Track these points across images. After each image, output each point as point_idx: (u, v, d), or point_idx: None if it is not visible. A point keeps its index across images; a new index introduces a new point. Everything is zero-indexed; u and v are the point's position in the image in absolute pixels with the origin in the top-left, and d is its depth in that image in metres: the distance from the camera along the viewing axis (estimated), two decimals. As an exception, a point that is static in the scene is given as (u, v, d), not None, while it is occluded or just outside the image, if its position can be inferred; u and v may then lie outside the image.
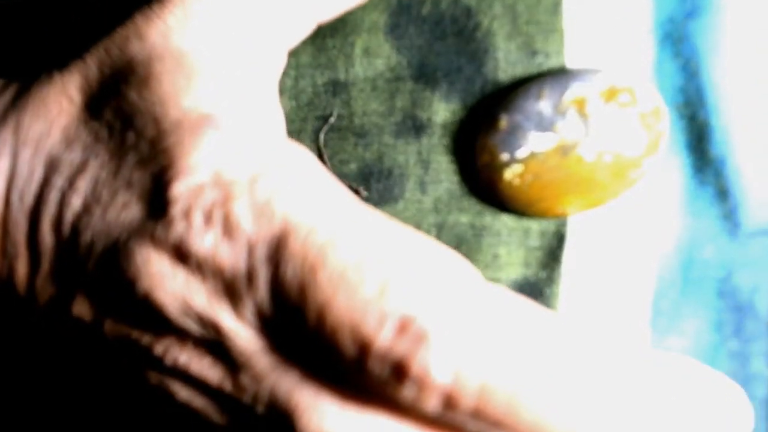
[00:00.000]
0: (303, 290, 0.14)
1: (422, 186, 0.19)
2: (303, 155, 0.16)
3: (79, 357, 0.19)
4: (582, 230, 0.19)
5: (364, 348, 0.14)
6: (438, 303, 0.14)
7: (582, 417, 0.13)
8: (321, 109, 0.20)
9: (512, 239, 0.19)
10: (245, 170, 0.15)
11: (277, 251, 0.14)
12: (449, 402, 0.13)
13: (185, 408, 0.17)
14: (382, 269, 0.14)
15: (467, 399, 0.13)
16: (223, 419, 0.16)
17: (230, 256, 0.15)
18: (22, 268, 0.17)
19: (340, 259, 0.14)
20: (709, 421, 0.13)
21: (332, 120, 0.20)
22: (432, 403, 0.13)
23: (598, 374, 0.13)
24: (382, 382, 0.14)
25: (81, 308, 0.16)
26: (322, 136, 0.20)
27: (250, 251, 0.14)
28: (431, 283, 0.14)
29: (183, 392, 0.16)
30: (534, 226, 0.19)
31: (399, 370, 0.13)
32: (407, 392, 0.14)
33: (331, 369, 0.15)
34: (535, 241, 0.19)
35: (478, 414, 0.13)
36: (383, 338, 0.13)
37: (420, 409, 0.14)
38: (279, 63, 0.18)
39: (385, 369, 0.14)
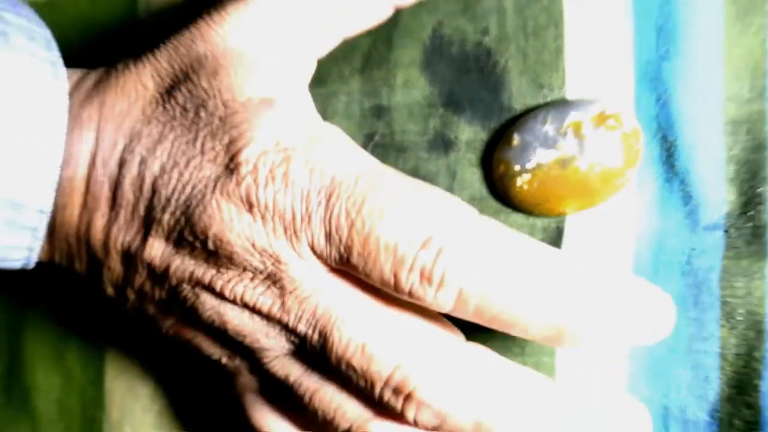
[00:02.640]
0: (350, 224, 0.18)
1: (450, 192, 0.24)
2: (338, 131, 0.20)
3: (141, 301, 0.22)
4: (577, 226, 0.23)
5: (400, 260, 0.18)
6: (447, 225, 0.18)
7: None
8: (367, 128, 0.24)
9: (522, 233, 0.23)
10: (298, 140, 0.19)
11: (328, 198, 0.18)
12: (459, 299, 0.18)
13: (233, 340, 0.20)
14: (407, 205, 0.18)
15: (472, 298, 0.18)
16: (268, 342, 0.20)
17: (289, 203, 0.19)
18: (100, 219, 0.21)
19: (377, 198, 0.18)
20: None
21: (377, 138, 0.24)
22: (448, 300, 0.18)
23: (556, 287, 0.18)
24: (412, 290, 0.18)
25: (153, 251, 0.20)
26: (368, 151, 0.24)
27: (307, 198, 0.18)
28: (443, 214, 0.18)
29: (236, 319, 0.20)
30: (539, 223, 0.23)
31: (425, 277, 0.18)
32: (431, 294, 0.18)
33: (369, 286, 0.19)
34: (539, 235, 0.23)
35: (477, 309, 0.18)
36: (413, 254, 0.18)
37: (439, 306, 0.18)
38: (311, 67, 0.22)
39: (415, 278, 0.18)
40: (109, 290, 0.22)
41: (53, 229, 0.21)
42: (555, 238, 0.23)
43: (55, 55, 0.21)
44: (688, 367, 0.22)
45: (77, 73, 0.22)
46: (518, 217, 0.23)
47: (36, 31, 0.21)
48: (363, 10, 0.21)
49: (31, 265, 0.22)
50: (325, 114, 0.25)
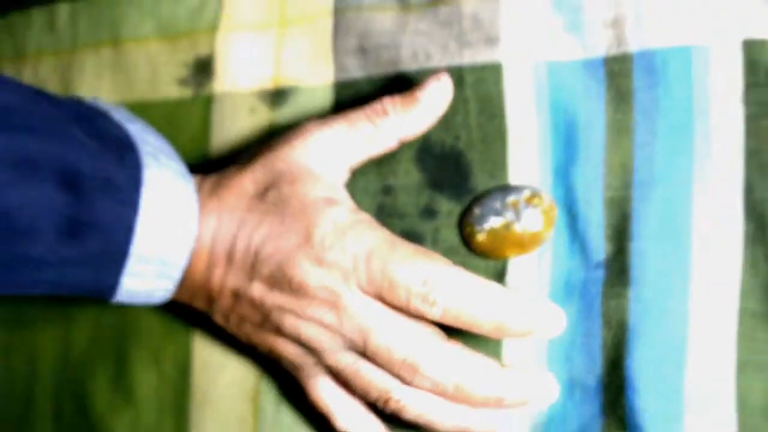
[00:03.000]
0: (382, 274, 0.31)
1: (434, 244, 0.37)
2: (368, 216, 0.33)
3: (242, 323, 0.34)
4: (515, 266, 0.36)
5: (411, 293, 0.30)
6: (435, 271, 0.31)
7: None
8: (380, 201, 0.37)
9: (481, 271, 0.36)
10: (347, 223, 0.32)
11: (367, 258, 0.31)
12: (444, 313, 0.30)
13: (305, 344, 0.33)
14: (412, 261, 0.31)
15: (451, 311, 0.30)
16: (329, 344, 0.32)
17: (344, 261, 0.31)
18: (218, 272, 0.33)
19: (395, 258, 0.31)
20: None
21: (386, 209, 0.37)
22: (437, 313, 0.31)
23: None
24: (418, 309, 0.31)
25: (255, 290, 0.32)
26: (380, 216, 0.37)
27: (354, 258, 0.31)
28: (432, 265, 0.31)
29: (310, 332, 0.32)
30: (491, 264, 0.36)
31: (425, 302, 0.30)
32: (428, 310, 0.31)
33: (393, 306, 0.32)
34: (491, 272, 0.36)
35: (454, 318, 0.31)
36: (418, 289, 0.30)
37: (432, 317, 0.31)
38: (347, 175, 0.35)
39: (419, 302, 0.30)
40: (219, 318, 0.35)
41: (184, 279, 0.34)
42: (501, 274, 0.36)
43: (182, 166, 0.34)
44: (583, 352, 0.35)
45: (196, 177, 0.35)
46: (478, 261, 0.36)
47: (167, 148, 0.34)
48: (380, 146, 0.35)
49: (165, 301, 0.34)
50: (354, 191, 0.38)
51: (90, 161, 0.30)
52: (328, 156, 0.34)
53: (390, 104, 0.34)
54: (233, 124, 0.41)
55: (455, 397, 0.32)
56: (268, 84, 0.40)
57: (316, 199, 0.33)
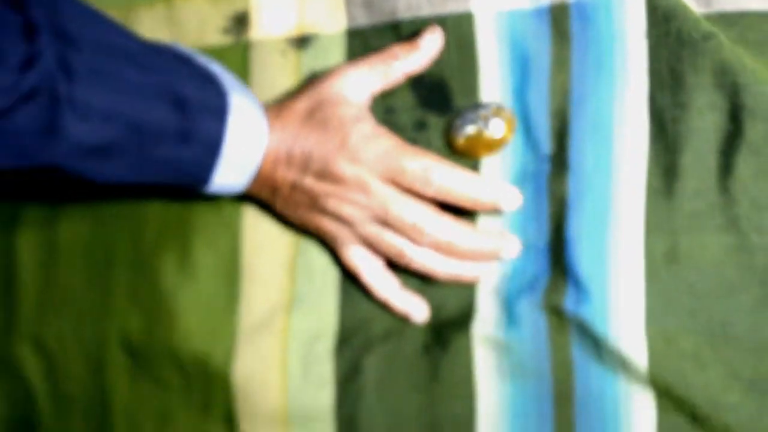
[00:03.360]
0: (397, 167, 0.44)
1: (428, 148, 0.49)
2: (386, 130, 0.46)
3: (297, 206, 0.47)
4: (487, 162, 0.49)
5: (416, 179, 0.44)
6: (432, 163, 0.44)
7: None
8: (384, 119, 0.50)
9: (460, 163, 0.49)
10: (370, 133, 0.45)
11: (386, 156, 0.45)
12: (438, 190, 0.44)
13: (342, 218, 0.46)
14: (417, 157, 0.44)
15: (443, 189, 0.45)
16: (361, 216, 0.45)
17: (371, 158, 0.45)
18: (281, 170, 0.46)
19: (405, 155, 0.45)
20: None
21: (390, 123, 0.50)
22: (434, 191, 0.45)
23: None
24: (421, 190, 0.45)
25: (307, 182, 0.45)
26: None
27: (378, 156, 0.45)
28: (430, 160, 0.44)
29: (347, 209, 0.45)
30: (469, 162, 0.49)
31: (426, 183, 0.44)
32: (428, 189, 0.44)
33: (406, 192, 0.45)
34: (468, 166, 0.49)
35: (446, 195, 0.45)
36: (421, 175, 0.44)
37: (431, 194, 0.45)
38: (370, 100, 0.48)
39: (421, 184, 0.44)
40: (279, 204, 0.47)
41: (256, 176, 0.47)
42: (476, 168, 0.49)
43: (252, 95, 0.46)
44: (535, 223, 0.48)
45: (262, 103, 0.48)
46: (460, 160, 0.49)
47: (239, 82, 0.46)
48: (392, 80, 0.47)
49: (240, 193, 0.48)
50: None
51: (193, 91, 0.43)
52: (356, 87, 0.47)
53: (399, 50, 0.48)
54: (268, 65, 0.53)
55: (448, 251, 0.45)
56: (294, 31, 0.53)
57: (349, 117, 0.46)
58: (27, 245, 0.57)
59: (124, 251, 0.55)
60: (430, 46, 0.48)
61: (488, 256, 0.46)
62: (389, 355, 0.49)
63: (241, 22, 0.54)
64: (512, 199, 0.45)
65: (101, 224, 0.56)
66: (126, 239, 0.55)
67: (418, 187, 0.45)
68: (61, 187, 0.56)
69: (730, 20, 0.44)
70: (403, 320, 0.49)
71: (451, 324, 0.48)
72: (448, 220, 0.46)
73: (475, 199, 0.45)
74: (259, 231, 0.52)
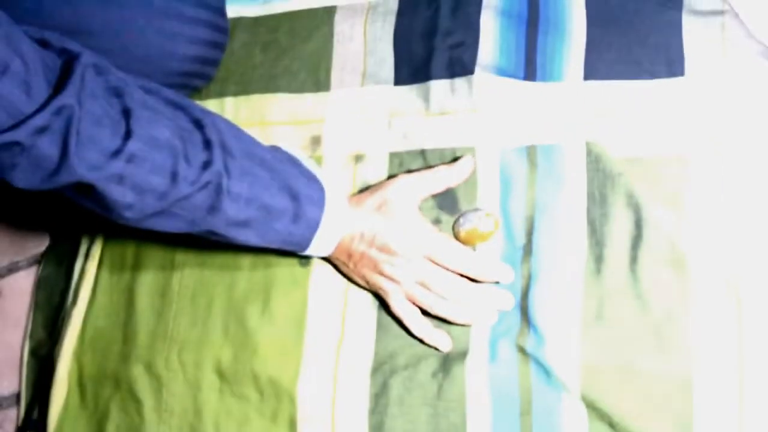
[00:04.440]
0: (428, 249, 0.68)
1: None
2: (421, 218, 0.71)
3: (361, 270, 0.71)
4: (479, 249, 0.72)
5: (438, 258, 0.69)
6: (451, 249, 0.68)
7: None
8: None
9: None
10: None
11: (415, 243, 0.69)
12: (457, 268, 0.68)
13: (393, 279, 0.69)
14: (442, 246, 0.69)
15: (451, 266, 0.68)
16: (405, 279, 0.69)
17: (415, 245, 0.69)
18: (356, 242, 0.69)
19: (435, 246, 0.68)
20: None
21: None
22: (452, 267, 0.69)
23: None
24: (442, 263, 0.68)
25: (373, 252, 0.69)
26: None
27: (418, 244, 0.69)
28: (452, 248, 0.68)
29: (397, 273, 0.68)
30: (468, 248, 0.72)
31: (450, 261, 0.69)
32: (451, 266, 0.68)
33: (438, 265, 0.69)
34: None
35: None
36: (442, 256, 0.68)
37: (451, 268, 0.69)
38: (419, 202, 0.71)
39: (447, 261, 0.68)
40: (350, 266, 0.70)
41: (338, 246, 0.69)
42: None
43: (341, 192, 0.70)
44: (512, 286, 0.71)
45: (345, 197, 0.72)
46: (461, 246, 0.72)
47: (332, 182, 0.70)
48: (436, 190, 0.72)
49: (326, 255, 0.71)
50: None
51: (303, 187, 0.66)
52: (410, 192, 0.71)
53: (443, 169, 0.71)
54: (333, 174, 0.77)
55: (464, 306, 0.68)
56: (353, 152, 0.77)
57: (404, 211, 0.69)
58: (145, 289, 0.80)
59: (221, 299, 0.78)
60: (465, 169, 0.72)
61: (491, 309, 0.69)
62: (408, 378, 0.71)
63: (315, 142, 0.78)
64: (508, 274, 0.69)
65: (204, 278, 0.79)
66: (223, 290, 0.78)
67: (445, 264, 0.68)
68: (178, 240, 0.79)
69: (635, 162, 0.68)
70: (417, 356, 0.71)
71: (453, 358, 0.70)
72: (465, 284, 0.69)
73: (484, 275, 0.69)
74: (320, 290, 0.75)
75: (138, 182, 0.59)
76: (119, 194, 0.59)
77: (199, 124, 0.63)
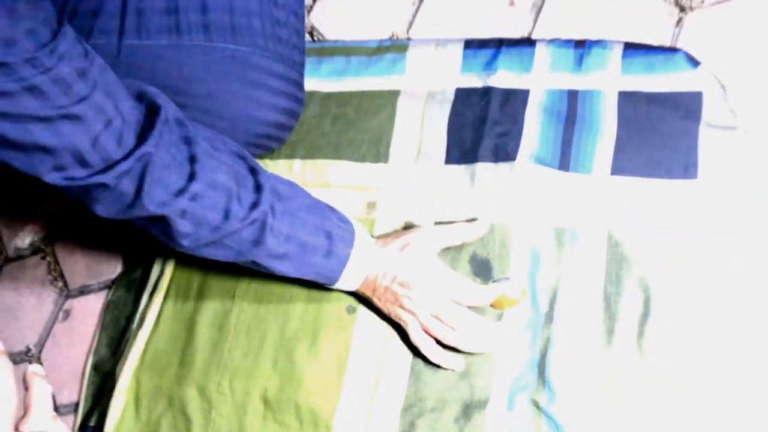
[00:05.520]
0: (445, 289, 0.79)
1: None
2: (443, 265, 0.81)
3: (386, 303, 0.81)
4: (508, 311, 0.82)
5: (455, 297, 0.78)
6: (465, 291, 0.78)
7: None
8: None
9: (492, 314, 0.82)
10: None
11: (441, 283, 0.79)
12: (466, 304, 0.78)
13: (411, 312, 0.80)
14: (456, 288, 0.79)
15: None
16: (421, 314, 0.79)
17: (433, 283, 0.79)
18: (380, 278, 0.80)
19: (450, 287, 0.79)
20: None
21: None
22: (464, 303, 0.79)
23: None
24: (457, 301, 0.79)
25: (395, 287, 0.79)
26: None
27: (436, 282, 0.79)
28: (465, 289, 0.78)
29: (415, 306, 0.79)
30: (497, 311, 0.82)
31: (461, 298, 0.79)
32: (462, 301, 0.79)
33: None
34: (491, 314, 0.83)
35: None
36: (459, 297, 0.78)
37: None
38: (439, 250, 0.82)
39: (459, 298, 0.79)
40: (375, 299, 0.81)
41: (364, 281, 0.80)
42: (500, 315, 0.82)
43: (368, 234, 0.81)
44: (531, 350, 0.81)
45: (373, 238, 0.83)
46: (491, 309, 0.83)
47: (362, 227, 0.82)
48: (454, 243, 0.82)
49: (353, 290, 0.82)
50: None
51: (336, 228, 0.78)
52: (430, 239, 0.81)
53: (462, 225, 0.83)
54: (385, 229, 0.88)
55: (470, 335, 0.78)
56: (405, 218, 0.88)
57: (424, 255, 0.80)
58: (205, 321, 0.91)
59: (273, 335, 0.88)
60: (480, 229, 0.83)
61: (491, 341, 0.79)
62: (434, 420, 0.80)
63: (371, 207, 0.90)
64: (503, 336, 0.80)
65: (260, 315, 0.90)
66: (275, 328, 0.88)
67: (456, 298, 0.78)
68: (239, 276, 0.90)
69: (649, 251, 0.79)
70: (443, 401, 0.81)
71: (474, 406, 0.79)
72: (471, 317, 0.78)
73: (485, 304, 0.79)
74: (363, 336, 0.85)
75: (197, 217, 0.72)
76: (180, 226, 0.72)
77: (253, 171, 0.76)
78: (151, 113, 0.69)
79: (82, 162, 0.63)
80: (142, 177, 0.67)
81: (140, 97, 0.70)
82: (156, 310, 0.95)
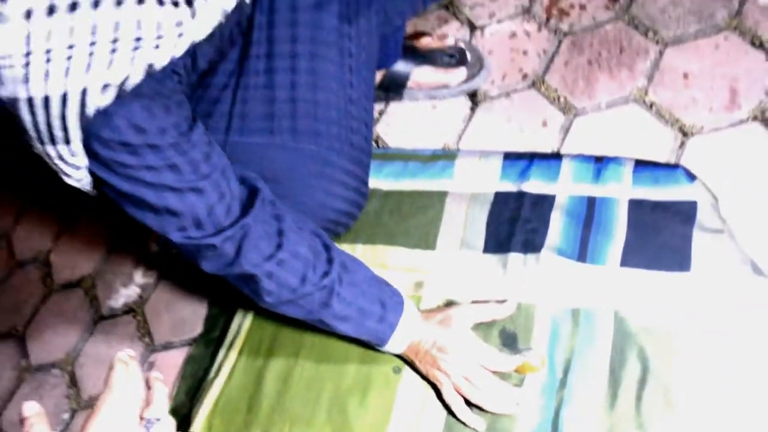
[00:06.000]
0: (476, 356, 0.94)
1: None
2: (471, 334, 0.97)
3: (426, 365, 0.97)
4: (529, 377, 0.97)
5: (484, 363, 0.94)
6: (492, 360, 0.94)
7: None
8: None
9: (514, 378, 0.98)
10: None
11: (472, 351, 0.95)
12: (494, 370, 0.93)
13: (446, 373, 0.94)
14: (486, 356, 0.94)
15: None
16: (454, 374, 0.94)
17: (466, 350, 0.94)
18: (422, 344, 0.97)
19: (481, 355, 0.94)
20: None
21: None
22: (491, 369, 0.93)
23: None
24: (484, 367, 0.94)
25: (434, 351, 0.95)
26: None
27: (469, 350, 0.94)
28: (492, 358, 0.94)
29: (449, 368, 0.94)
30: (520, 376, 0.98)
31: (490, 365, 0.93)
32: (490, 367, 0.93)
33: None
34: (513, 380, 0.98)
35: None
36: (487, 363, 0.94)
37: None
38: (472, 325, 0.98)
39: (488, 364, 0.93)
40: (416, 361, 0.97)
41: (408, 345, 0.96)
42: (522, 379, 0.97)
43: (414, 306, 0.98)
44: (547, 408, 0.95)
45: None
46: (514, 375, 0.98)
47: (410, 301, 0.99)
48: (485, 319, 0.99)
49: (398, 353, 0.98)
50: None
51: (388, 299, 0.94)
52: (466, 315, 0.97)
53: (493, 305, 0.99)
54: (430, 305, 1.05)
55: (493, 396, 0.92)
56: (444, 297, 1.05)
57: (461, 328, 0.95)
58: (272, 375, 1.07)
59: (329, 390, 1.04)
60: (508, 309, 0.98)
61: (510, 405, 0.93)
62: (460, 466, 0.95)
63: (419, 286, 1.07)
64: (520, 398, 0.93)
65: (319, 372, 1.06)
66: (331, 383, 1.04)
67: (485, 365, 0.93)
68: (303, 339, 1.07)
69: (648, 329, 0.94)
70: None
71: (495, 454, 0.94)
72: (495, 381, 0.92)
73: (505, 369, 0.93)
74: (405, 394, 1.00)
75: (280, 279, 0.89)
76: (267, 285, 0.89)
77: (327, 247, 0.93)
78: (252, 193, 0.88)
79: (199, 225, 0.82)
80: (242, 242, 0.85)
81: (243, 180, 0.89)
82: (231, 363, 1.11)
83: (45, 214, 1.56)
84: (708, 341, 0.90)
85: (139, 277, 1.36)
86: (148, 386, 0.70)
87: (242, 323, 1.15)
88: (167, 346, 1.25)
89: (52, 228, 1.53)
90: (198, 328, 1.24)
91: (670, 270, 0.96)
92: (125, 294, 1.35)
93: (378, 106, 1.32)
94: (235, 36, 0.94)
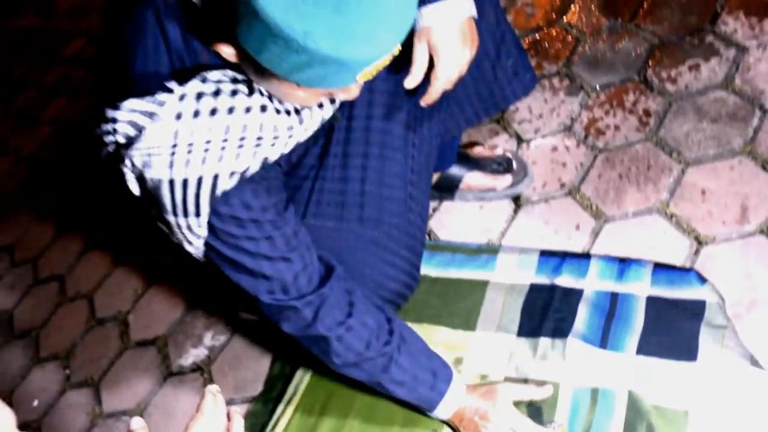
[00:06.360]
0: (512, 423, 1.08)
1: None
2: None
3: (467, 426, 1.11)
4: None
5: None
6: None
7: None
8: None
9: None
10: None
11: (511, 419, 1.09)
12: None
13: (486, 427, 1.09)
14: (521, 423, 1.08)
15: None
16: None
17: (505, 417, 1.09)
18: (466, 412, 1.11)
19: (518, 423, 1.08)
20: None
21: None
22: None
23: None
24: None
25: (476, 418, 1.09)
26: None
27: (507, 419, 1.08)
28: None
29: (492, 426, 1.08)
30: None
31: None
32: None
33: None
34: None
35: None
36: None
37: None
38: (511, 400, 1.12)
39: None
40: (462, 425, 1.10)
41: (453, 413, 1.11)
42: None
43: (460, 376, 1.13)
44: None
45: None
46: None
47: (454, 371, 1.13)
48: (523, 398, 1.13)
49: (444, 419, 1.12)
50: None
51: (438, 370, 1.08)
52: (507, 391, 1.11)
53: (532, 387, 1.12)
54: (467, 380, 1.19)
55: None
56: (480, 374, 1.20)
57: (501, 401, 1.09)
58: (325, 428, 1.22)
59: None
60: (545, 392, 1.11)
61: None
62: None
63: (458, 361, 1.22)
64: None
65: (366, 431, 1.20)
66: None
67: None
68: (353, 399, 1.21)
69: (657, 408, 1.07)
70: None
71: None
72: None
73: None
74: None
75: (348, 343, 1.04)
76: (336, 347, 1.04)
77: (389, 320, 1.08)
78: (328, 269, 1.05)
79: (285, 290, 0.99)
80: (319, 308, 1.02)
81: (320, 258, 1.07)
82: (287, 418, 1.27)
83: (126, 279, 1.75)
84: (710, 422, 1.03)
85: (209, 339, 1.53)
86: (229, 418, 0.85)
87: (300, 383, 1.31)
88: (229, 403, 1.39)
89: (132, 291, 1.71)
90: (258, 388, 1.39)
91: (680, 359, 1.09)
92: (194, 354, 1.52)
93: (433, 204, 1.50)
94: (318, 136, 1.13)
